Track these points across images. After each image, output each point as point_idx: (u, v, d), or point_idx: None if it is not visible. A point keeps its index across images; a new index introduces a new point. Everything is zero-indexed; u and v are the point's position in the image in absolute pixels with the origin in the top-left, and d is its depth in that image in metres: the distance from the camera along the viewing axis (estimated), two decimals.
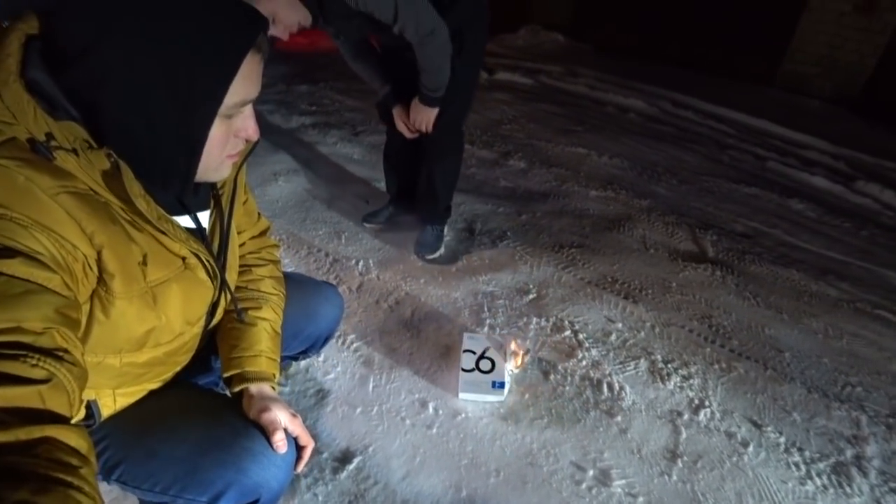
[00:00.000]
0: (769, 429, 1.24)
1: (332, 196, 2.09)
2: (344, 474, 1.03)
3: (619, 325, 1.50)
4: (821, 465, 1.17)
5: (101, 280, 0.54)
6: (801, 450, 1.20)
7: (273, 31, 1.18)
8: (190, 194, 0.63)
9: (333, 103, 3.30)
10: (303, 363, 1.29)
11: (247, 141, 0.60)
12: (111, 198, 0.53)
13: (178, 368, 0.75)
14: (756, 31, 4.55)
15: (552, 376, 1.29)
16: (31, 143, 0.48)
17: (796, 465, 1.16)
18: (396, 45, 1.38)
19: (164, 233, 0.58)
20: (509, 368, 1.25)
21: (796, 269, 1.95)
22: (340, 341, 1.37)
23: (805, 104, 4.19)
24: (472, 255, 1.76)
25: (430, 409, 1.19)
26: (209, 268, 0.66)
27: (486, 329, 1.44)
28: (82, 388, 0.46)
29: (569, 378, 1.29)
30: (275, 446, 0.65)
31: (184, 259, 0.63)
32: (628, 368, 1.35)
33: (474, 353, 1.25)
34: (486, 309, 1.51)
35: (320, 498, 0.98)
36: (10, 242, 0.45)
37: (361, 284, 1.58)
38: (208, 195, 0.68)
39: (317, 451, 1.06)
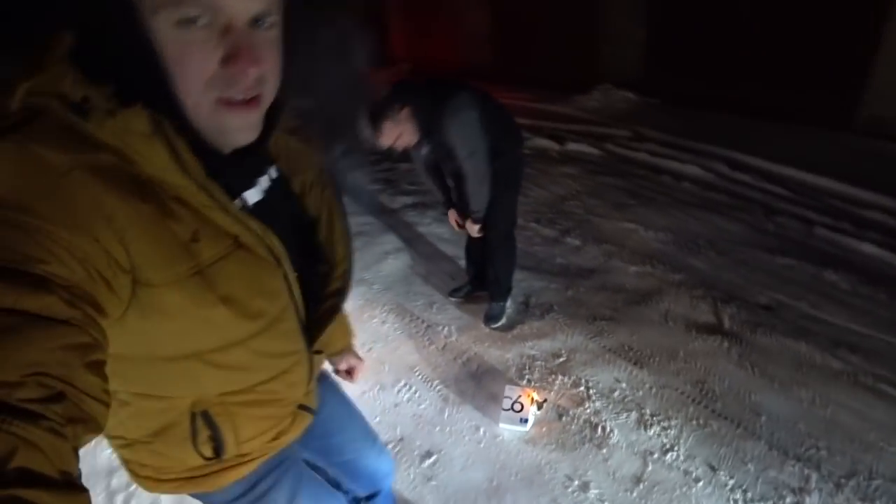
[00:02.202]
0: (722, 472, 1.70)
1: (427, 272, 2.92)
2: (426, 464, 1.79)
3: (623, 385, 2.09)
4: None
5: (134, 271, 0.49)
6: (745, 492, 1.63)
7: (391, 144, 1.88)
8: (210, 154, 0.53)
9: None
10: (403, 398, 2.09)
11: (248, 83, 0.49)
12: (149, 168, 0.49)
13: (288, 379, 0.72)
14: (830, 71, 4.45)
15: (563, 418, 1.94)
16: (68, 106, 0.44)
17: (735, 501, 1.62)
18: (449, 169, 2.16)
19: (214, 204, 0.53)
20: (533, 410, 1.92)
21: (807, 341, 2.25)
22: (428, 385, 2.14)
23: (886, 150, 4.14)
24: (525, 325, 2.45)
25: (481, 432, 1.91)
26: (269, 247, 0.59)
27: (524, 381, 2.12)
28: (90, 430, 0.40)
29: (575, 420, 1.93)
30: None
31: (236, 237, 0.56)
32: (621, 417, 1.94)
33: (511, 398, 1.95)
34: (526, 367, 2.19)
35: (410, 476, 1.75)
36: None
37: (446, 345, 2.36)
38: (253, 172, 0.62)
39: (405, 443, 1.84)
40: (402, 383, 2.16)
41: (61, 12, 0.47)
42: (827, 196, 3.54)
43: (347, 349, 1.06)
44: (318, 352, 0.77)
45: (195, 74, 0.48)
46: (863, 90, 4.35)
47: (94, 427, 0.41)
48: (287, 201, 0.68)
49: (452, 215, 2.38)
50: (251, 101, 0.51)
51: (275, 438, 0.78)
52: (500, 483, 1.71)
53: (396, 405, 2.05)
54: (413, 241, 3.29)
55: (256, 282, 0.60)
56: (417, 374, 2.21)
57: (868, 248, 2.98)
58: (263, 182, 0.63)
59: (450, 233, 3.37)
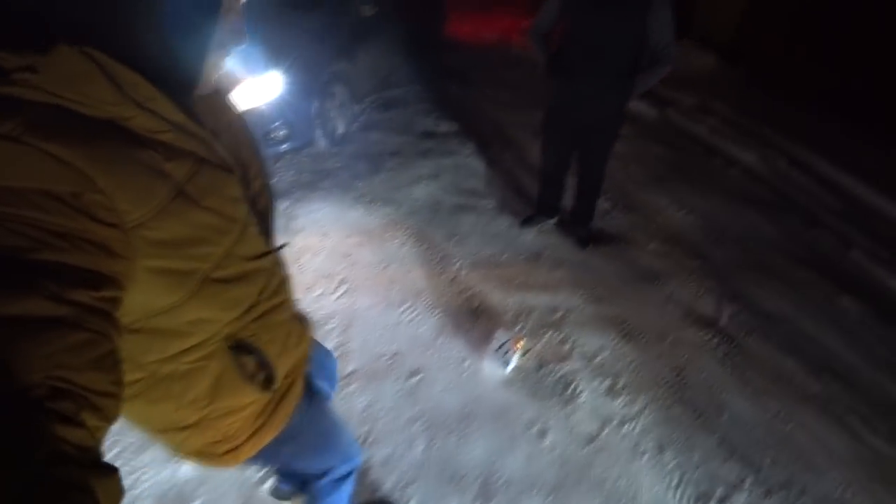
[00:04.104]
0: (668, 453, 1.86)
1: (455, 205, 3.01)
2: (412, 381, 2.02)
3: (606, 353, 2.23)
4: (689, 489, 1.72)
5: (121, 219, 0.48)
6: (683, 474, 1.79)
7: None
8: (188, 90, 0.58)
9: (476, 112, 4.10)
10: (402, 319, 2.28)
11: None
12: (96, 109, 0.47)
13: (276, 281, 0.78)
14: None
15: (542, 369, 2.11)
16: None
17: (671, 481, 1.76)
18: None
19: (169, 126, 0.54)
20: (517, 356, 2.10)
21: (795, 358, 2.30)
22: (430, 311, 2.32)
23: None
24: (532, 275, 2.56)
25: (466, 364, 2.11)
26: (220, 156, 0.62)
27: (517, 328, 2.28)
28: (103, 419, 0.41)
29: (552, 374, 2.10)
30: None
31: (194, 153, 0.57)
32: (594, 382, 2.10)
33: (500, 340, 2.11)
34: (523, 315, 2.34)
35: (396, 388, 1.98)
36: None
37: (455, 278, 2.51)
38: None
39: (400, 366, 2.06)
40: (407, 304, 2.34)
41: None
42: (877, 219, 3.39)
43: None
44: (280, 248, 0.82)
45: (222, 41, 0.56)
46: None
47: (105, 416, 0.41)
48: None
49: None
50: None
51: (296, 348, 0.86)
52: (471, 412, 1.93)
53: (398, 324, 2.25)
54: (449, 170, 3.33)
55: (224, 189, 0.62)
56: (423, 299, 2.38)
57: (895, 283, 2.92)
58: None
59: (485, 168, 3.39)
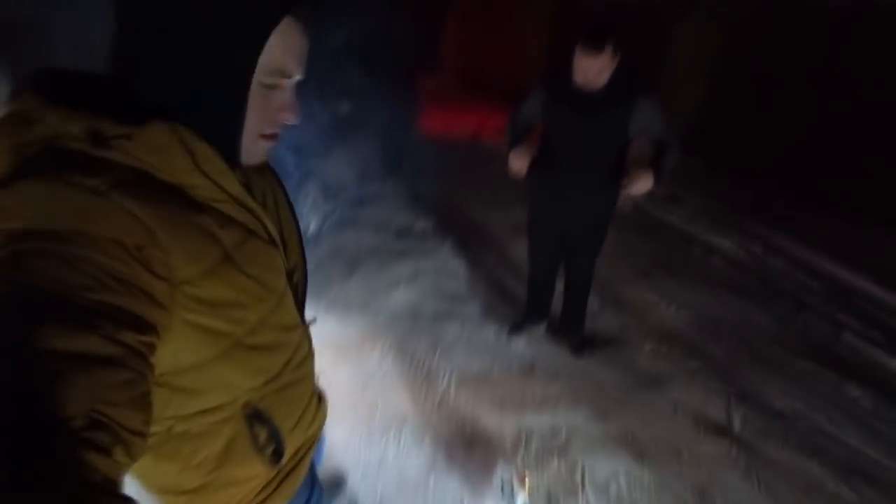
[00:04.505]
0: None
1: (437, 311, 2.83)
2: None
3: (621, 480, 1.98)
4: None
5: (172, 274, 0.53)
6: None
7: (596, 71, 1.75)
8: (239, 163, 0.64)
9: (453, 209, 4.09)
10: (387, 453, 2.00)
11: (282, 124, 0.64)
12: (168, 175, 0.54)
13: (300, 355, 0.80)
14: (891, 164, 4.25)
15: None
16: (82, 140, 0.49)
17: None
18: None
19: (227, 198, 0.60)
20: (523, 497, 1.82)
21: (820, 462, 2.13)
22: (418, 442, 2.05)
23: None
24: (527, 392, 2.35)
25: None
26: (267, 230, 0.68)
27: (518, 457, 2.02)
28: (129, 455, 0.43)
29: None
30: None
31: (245, 224, 0.63)
32: None
33: (502, 479, 1.84)
34: (523, 442, 2.09)
35: None
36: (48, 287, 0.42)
37: (442, 400, 2.27)
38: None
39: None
40: (391, 434, 2.07)
41: (187, 71, 0.56)
42: (861, 299, 3.39)
43: None
44: (311, 322, 0.88)
45: (261, 123, 0.62)
46: None
47: (131, 454, 0.44)
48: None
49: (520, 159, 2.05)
50: (276, 136, 0.66)
51: (309, 427, 0.86)
52: None
53: (381, 461, 1.96)
54: (428, 272, 3.20)
55: (267, 260, 0.67)
56: (409, 426, 2.12)
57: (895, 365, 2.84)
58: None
59: (465, 270, 3.28)
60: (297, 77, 0.63)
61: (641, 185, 1.89)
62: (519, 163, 2.01)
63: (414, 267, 3.27)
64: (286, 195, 0.82)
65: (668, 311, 3.04)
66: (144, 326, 0.48)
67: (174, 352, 0.58)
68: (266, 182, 0.77)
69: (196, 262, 0.55)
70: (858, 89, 4.47)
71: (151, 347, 0.49)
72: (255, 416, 0.73)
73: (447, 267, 3.30)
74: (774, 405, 2.46)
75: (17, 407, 0.37)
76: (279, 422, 0.76)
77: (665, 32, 6.09)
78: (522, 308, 2.72)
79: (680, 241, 3.91)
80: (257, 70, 0.58)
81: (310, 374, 0.85)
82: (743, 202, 4.40)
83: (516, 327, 2.69)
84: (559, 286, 2.60)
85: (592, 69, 1.77)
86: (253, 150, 0.64)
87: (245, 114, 0.59)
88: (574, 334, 2.62)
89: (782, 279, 3.53)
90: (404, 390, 2.31)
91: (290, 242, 0.79)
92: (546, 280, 2.53)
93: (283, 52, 0.59)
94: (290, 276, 0.77)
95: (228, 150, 0.61)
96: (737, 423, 2.32)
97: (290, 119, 0.64)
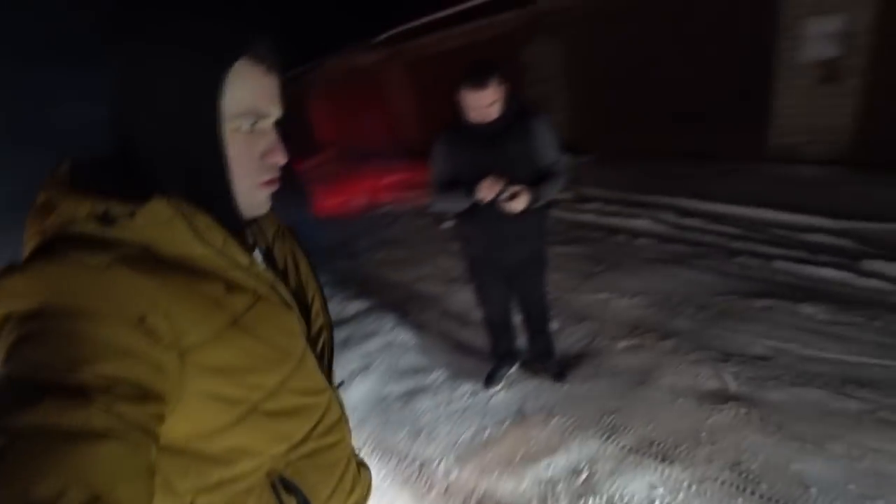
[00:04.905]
0: None
1: (403, 391, 2.61)
2: None
3: (661, 490, 1.84)
4: None
5: (178, 341, 0.53)
6: None
7: (486, 105, 1.80)
8: (240, 224, 0.64)
9: (377, 281, 3.96)
10: None
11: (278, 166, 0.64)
12: (171, 248, 0.55)
13: (330, 419, 0.76)
14: (738, 111, 5.02)
15: None
16: (92, 222, 0.51)
17: None
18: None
19: (232, 265, 0.60)
20: None
21: (816, 385, 2.19)
22: None
23: (800, 174, 4.50)
24: (531, 438, 2.18)
25: None
26: (280, 295, 0.67)
27: None
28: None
29: None
30: None
31: (254, 290, 0.62)
32: None
33: None
34: (548, 496, 1.90)
35: None
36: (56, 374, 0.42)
37: (449, 487, 2.02)
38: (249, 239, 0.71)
39: None
40: None
41: (154, 133, 0.56)
42: (772, 227, 3.67)
43: None
44: (339, 386, 0.84)
45: (246, 168, 0.60)
46: (767, 124, 4.83)
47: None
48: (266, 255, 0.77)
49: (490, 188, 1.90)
50: (274, 180, 0.65)
51: (349, 496, 0.81)
52: None
53: None
54: (379, 355, 2.97)
55: (280, 323, 0.65)
56: None
57: (828, 273, 3.05)
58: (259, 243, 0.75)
59: (414, 337, 3.11)
60: (275, 115, 0.62)
61: (517, 203, 1.87)
62: (486, 187, 1.88)
63: (363, 354, 3.03)
64: (309, 259, 0.83)
65: (622, 303, 3.06)
66: (148, 396, 0.48)
67: (190, 420, 0.56)
68: (287, 246, 0.79)
69: (202, 328, 0.55)
70: (692, 60, 5.20)
71: (156, 417, 0.48)
72: (283, 485, 0.69)
73: (396, 342, 3.10)
74: (754, 351, 2.50)
75: (4, 486, 0.37)
76: (309, 490, 0.72)
77: (517, 54, 6.75)
78: (489, 356, 2.59)
79: (604, 234, 4.05)
80: (228, 117, 0.57)
81: (343, 440, 0.81)
82: (638, 181, 4.72)
83: (490, 378, 2.54)
84: (517, 321, 2.52)
85: (483, 103, 1.81)
86: (254, 201, 0.64)
87: (228, 166, 0.59)
88: (549, 360, 2.52)
89: (703, 235, 3.74)
90: (404, 495, 2.04)
91: (314, 305, 0.80)
92: (503, 319, 2.44)
93: (249, 94, 0.58)
94: (315, 339, 0.77)
95: (227, 209, 0.61)
96: (731, 383, 2.31)
97: (280, 160, 0.63)
